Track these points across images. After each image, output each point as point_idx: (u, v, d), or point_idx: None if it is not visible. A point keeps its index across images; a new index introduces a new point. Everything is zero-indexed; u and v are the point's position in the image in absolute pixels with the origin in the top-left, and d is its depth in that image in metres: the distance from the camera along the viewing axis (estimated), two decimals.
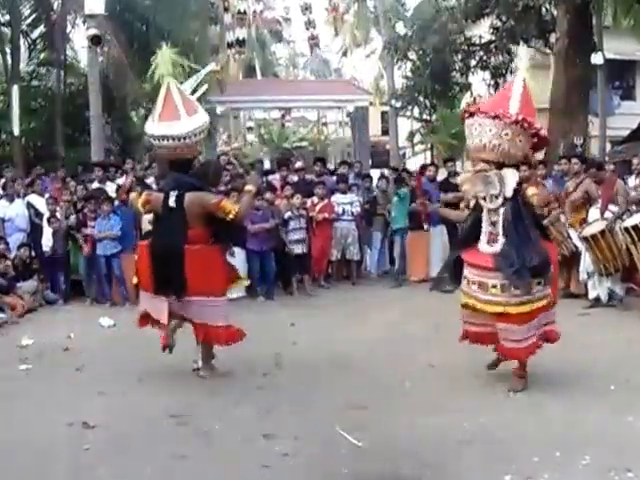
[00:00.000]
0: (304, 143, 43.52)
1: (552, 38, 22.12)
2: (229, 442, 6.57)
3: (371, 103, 38.43)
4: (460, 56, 22.66)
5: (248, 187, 8.90)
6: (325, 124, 43.69)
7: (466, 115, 7.88)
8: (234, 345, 9.78)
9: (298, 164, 17.97)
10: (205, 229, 8.43)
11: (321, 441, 6.54)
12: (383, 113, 49.56)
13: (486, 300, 7.72)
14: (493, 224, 7.75)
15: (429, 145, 31.39)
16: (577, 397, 7.64)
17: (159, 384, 8.39)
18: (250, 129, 42.29)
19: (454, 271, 8.26)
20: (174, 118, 8.40)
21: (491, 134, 7.53)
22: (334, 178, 16.56)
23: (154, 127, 8.53)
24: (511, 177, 7.57)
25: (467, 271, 7.93)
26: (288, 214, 14.18)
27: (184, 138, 8.34)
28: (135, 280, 8.99)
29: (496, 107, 7.67)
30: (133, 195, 9.35)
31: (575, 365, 8.76)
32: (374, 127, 43.63)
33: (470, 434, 6.61)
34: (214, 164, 10.94)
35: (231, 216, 8.23)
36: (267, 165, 31.75)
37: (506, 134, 7.49)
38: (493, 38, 22.28)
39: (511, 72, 22.48)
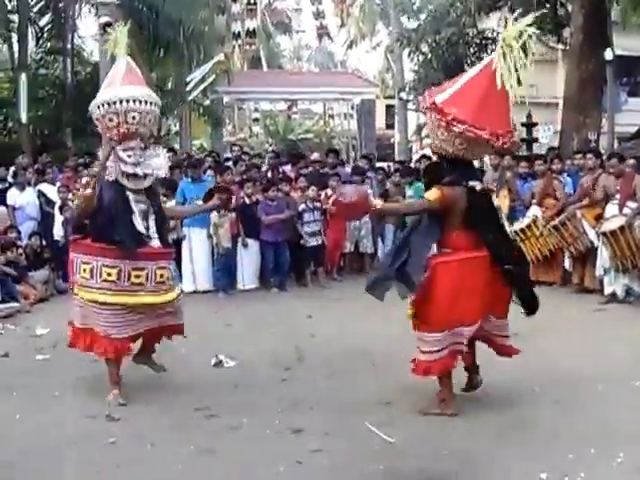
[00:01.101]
0: (309, 135, 43.47)
1: (564, 33, 22.03)
2: (258, 437, 6.48)
3: (377, 96, 38.36)
4: (473, 49, 22.59)
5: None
6: (331, 116, 43.55)
7: None
8: (255, 337, 9.76)
9: (314, 155, 17.85)
10: None
11: (352, 437, 6.45)
12: (388, 106, 49.53)
13: None
14: None
15: None
16: (601, 393, 7.60)
17: (180, 376, 8.29)
18: (256, 120, 42.14)
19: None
20: (139, 83, 7.57)
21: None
22: (348, 170, 16.44)
23: (117, 90, 7.35)
24: None
25: None
26: (302, 206, 14.07)
27: (153, 104, 7.45)
28: None
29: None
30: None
31: (595, 361, 8.68)
32: (379, 120, 43.51)
33: (501, 431, 6.54)
34: None
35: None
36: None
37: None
38: None
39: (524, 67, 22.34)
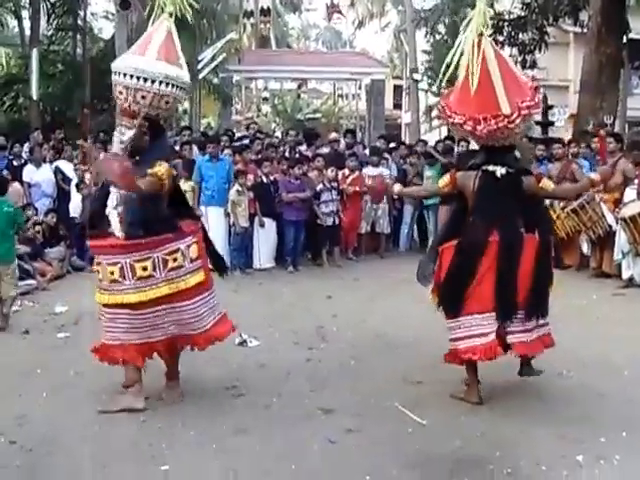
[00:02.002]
0: (317, 115, 43.43)
1: (582, 16, 21.91)
2: (289, 417, 6.48)
3: (387, 76, 38.28)
4: (489, 31, 22.44)
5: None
6: (340, 96, 43.51)
7: None
8: (276, 317, 9.77)
9: (333, 135, 17.77)
10: None
11: (383, 418, 6.45)
12: (396, 87, 49.43)
13: None
14: None
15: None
16: (628, 378, 7.60)
17: (205, 355, 8.23)
18: (265, 99, 42.11)
19: None
20: (177, 63, 6.69)
21: None
22: (366, 150, 16.39)
23: (154, 64, 6.49)
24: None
25: None
26: (320, 186, 14.04)
27: (185, 89, 6.79)
28: None
29: None
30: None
31: (619, 345, 8.66)
32: (386, 101, 43.45)
33: (533, 413, 6.54)
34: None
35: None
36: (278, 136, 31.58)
37: None
38: (523, 14, 22.05)
39: (539, 49, 22.28)
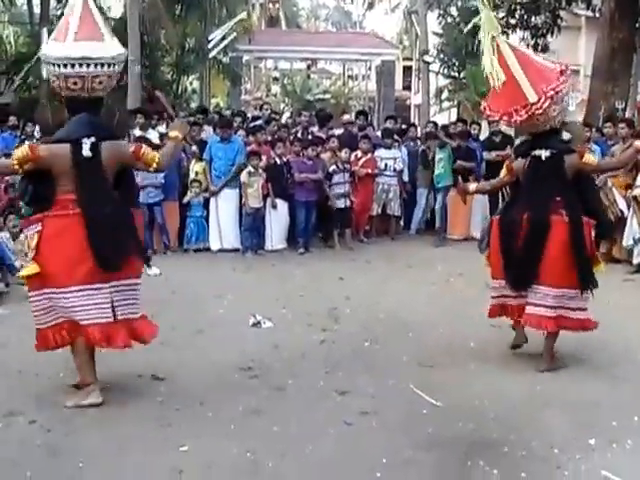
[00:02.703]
0: (327, 96, 43.43)
1: (595, 0, 21.84)
2: (304, 399, 6.55)
3: (397, 57, 38.26)
4: (501, 14, 22.39)
5: (173, 133, 6.98)
6: (350, 77, 43.48)
7: None
8: (288, 298, 9.84)
9: (346, 117, 17.75)
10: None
11: (398, 400, 6.52)
12: (405, 68, 49.34)
13: None
14: None
15: (456, 102, 31.13)
16: (638, 360, 7.71)
17: (220, 336, 8.35)
18: (276, 79, 42.10)
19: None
20: (95, 38, 6.43)
21: None
22: (378, 132, 16.37)
23: (68, 47, 6.27)
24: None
25: None
26: (333, 167, 14.06)
27: (110, 65, 6.41)
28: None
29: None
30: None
31: (631, 331, 8.75)
32: (396, 82, 43.44)
33: (545, 398, 6.60)
34: (121, 113, 8.33)
35: (154, 166, 6.63)
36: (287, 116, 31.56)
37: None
38: None
39: (552, 33, 22.19)
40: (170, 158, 6.95)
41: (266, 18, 40.64)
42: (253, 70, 38.50)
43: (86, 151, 6.28)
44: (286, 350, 7.91)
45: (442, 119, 32.15)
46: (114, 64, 6.49)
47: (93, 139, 6.32)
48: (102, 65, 6.36)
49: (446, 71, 28.05)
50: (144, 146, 6.78)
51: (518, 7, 21.98)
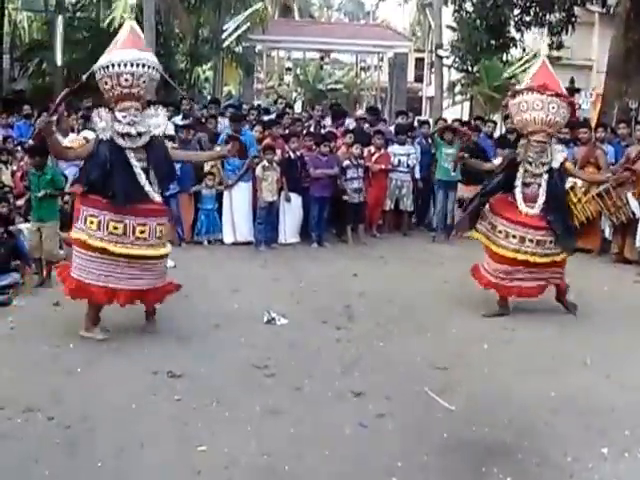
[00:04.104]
0: (339, 86, 43.48)
1: (609, 0, 21.88)
2: (320, 399, 6.60)
3: (410, 49, 38.25)
4: (517, 11, 22.44)
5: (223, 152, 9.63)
6: (363, 69, 43.47)
7: (534, 92, 8.95)
8: (302, 294, 9.87)
9: (359, 112, 17.75)
10: None
11: (413, 402, 6.57)
12: (417, 60, 49.31)
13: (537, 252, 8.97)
14: (527, 185, 9.05)
15: (469, 96, 31.10)
16: None
17: (235, 332, 8.38)
18: (289, 70, 42.11)
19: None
20: (134, 46, 7.92)
21: (554, 111, 8.91)
22: (391, 127, 16.33)
23: (111, 54, 7.77)
24: (561, 152, 9.16)
25: (508, 226, 9.10)
26: (347, 162, 14.08)
27: (146, 66, 7.81)
28: None
29: (552, 86, 8.96)
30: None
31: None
32: (408, 74, 43.43)
33: (558, 403, 6.64)
34: None
35: None
36: (299, 108, 31.55)
37: (555, 108, 8.93)
38: None
39: (566, 31, 22.22)
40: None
41: (280, 8, 40.62)
42: (266, 59, 38.50)
43: None
44: (301, 348, 7.97)
45: (455, 112, 32.21)
46: (156, 67, 7.98)
47: None
48: (147, 67, 7.80)
49: (460, 65, 27.93)
50: None
51: (533, 5, 21.98)
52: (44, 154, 10.25)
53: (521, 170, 9.14)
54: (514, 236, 8.96)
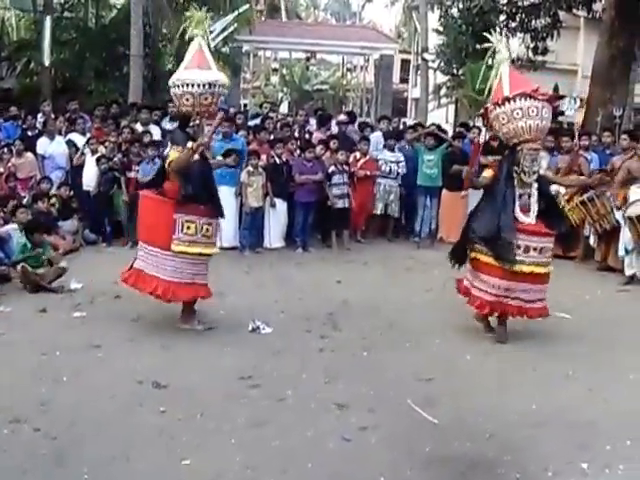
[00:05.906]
0: (325, 86, 43.52)
1: (595, 6, 21.99)
2: (304, 410, 6.65)
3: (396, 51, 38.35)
4: (502, 17, 22.54)
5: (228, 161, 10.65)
6: (349, 69, 43.52)
7: (528, 98, 8.67)
8: (286, 302, 9.92)
9: (341, 117, 17.72)
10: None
11: (396, 415, 6.62)
12: (403, 61, 49.39)
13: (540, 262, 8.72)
14: (519, 197, 8.79)
15: (454, 99, 31.19)
16: (635, 382, 7.74)
17: (221, 341, 8.43)
18: (275, 70, 42.12)
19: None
20: (207, 67, 8.93)
21: (546, 116, 8.73)
22: (379, 133, 16.32)
23: (207, 74, 8.82)
24: (544, 158, 9.50)
25: (526, 239, 8.68)
26: (332, 168, 14.12)
27: (221, 86, 8.94)
28: None
29: (541, 89, 8.82)
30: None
31: (626, 347, 8.83)
32: (394, 75, 43.52)
33: (541, 417, 6.70)
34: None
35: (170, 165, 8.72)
36: (285, 108, 31.54)
37: (547, 113, 8.76)
38: (537, 1, 22.04)
39: (551, 37, 22.35)
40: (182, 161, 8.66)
41: (267, 8, 40.64)
42: (252, 59, 38.51)
43: None
44: (285, 358, 8.01)
45: (440, 115, 32.31)
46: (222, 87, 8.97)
47: None
48: (217, 87, 8.85)
49: (445, 68, 28.00)
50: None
51: (519, 11, 22.09)
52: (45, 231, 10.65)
53: (516, 181, 8.75)
54: (518, 246, 8.56)
